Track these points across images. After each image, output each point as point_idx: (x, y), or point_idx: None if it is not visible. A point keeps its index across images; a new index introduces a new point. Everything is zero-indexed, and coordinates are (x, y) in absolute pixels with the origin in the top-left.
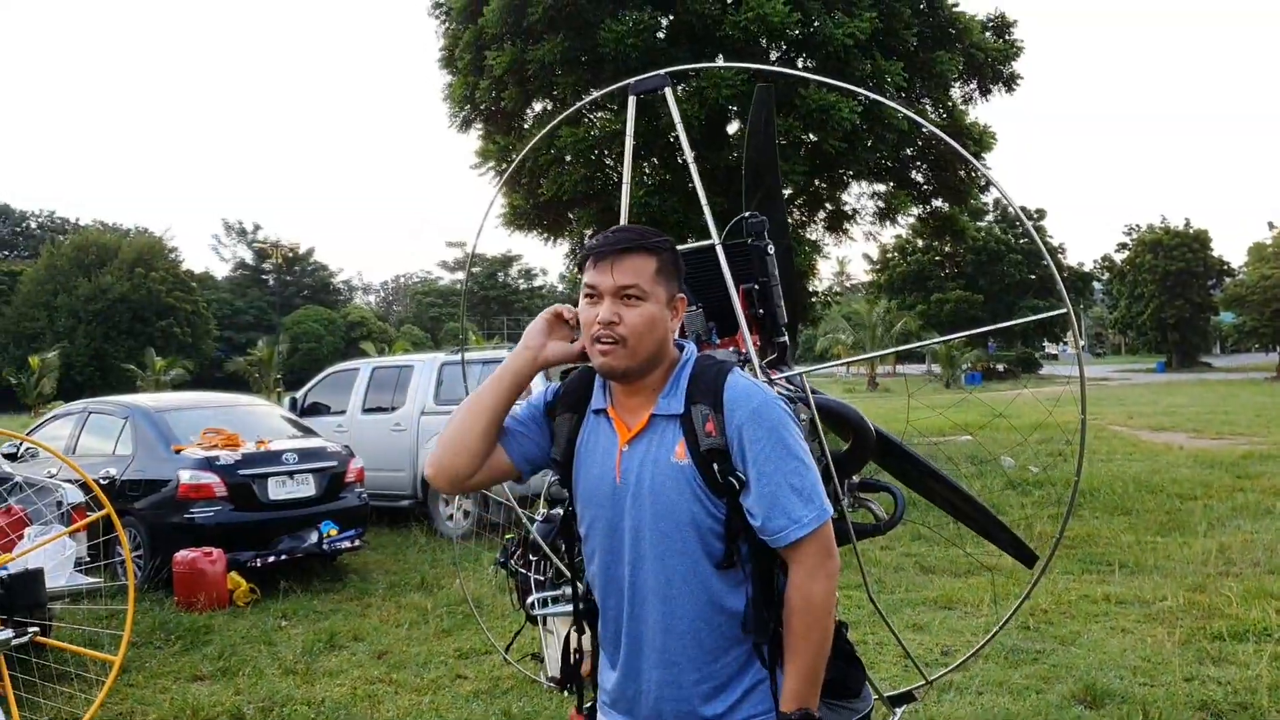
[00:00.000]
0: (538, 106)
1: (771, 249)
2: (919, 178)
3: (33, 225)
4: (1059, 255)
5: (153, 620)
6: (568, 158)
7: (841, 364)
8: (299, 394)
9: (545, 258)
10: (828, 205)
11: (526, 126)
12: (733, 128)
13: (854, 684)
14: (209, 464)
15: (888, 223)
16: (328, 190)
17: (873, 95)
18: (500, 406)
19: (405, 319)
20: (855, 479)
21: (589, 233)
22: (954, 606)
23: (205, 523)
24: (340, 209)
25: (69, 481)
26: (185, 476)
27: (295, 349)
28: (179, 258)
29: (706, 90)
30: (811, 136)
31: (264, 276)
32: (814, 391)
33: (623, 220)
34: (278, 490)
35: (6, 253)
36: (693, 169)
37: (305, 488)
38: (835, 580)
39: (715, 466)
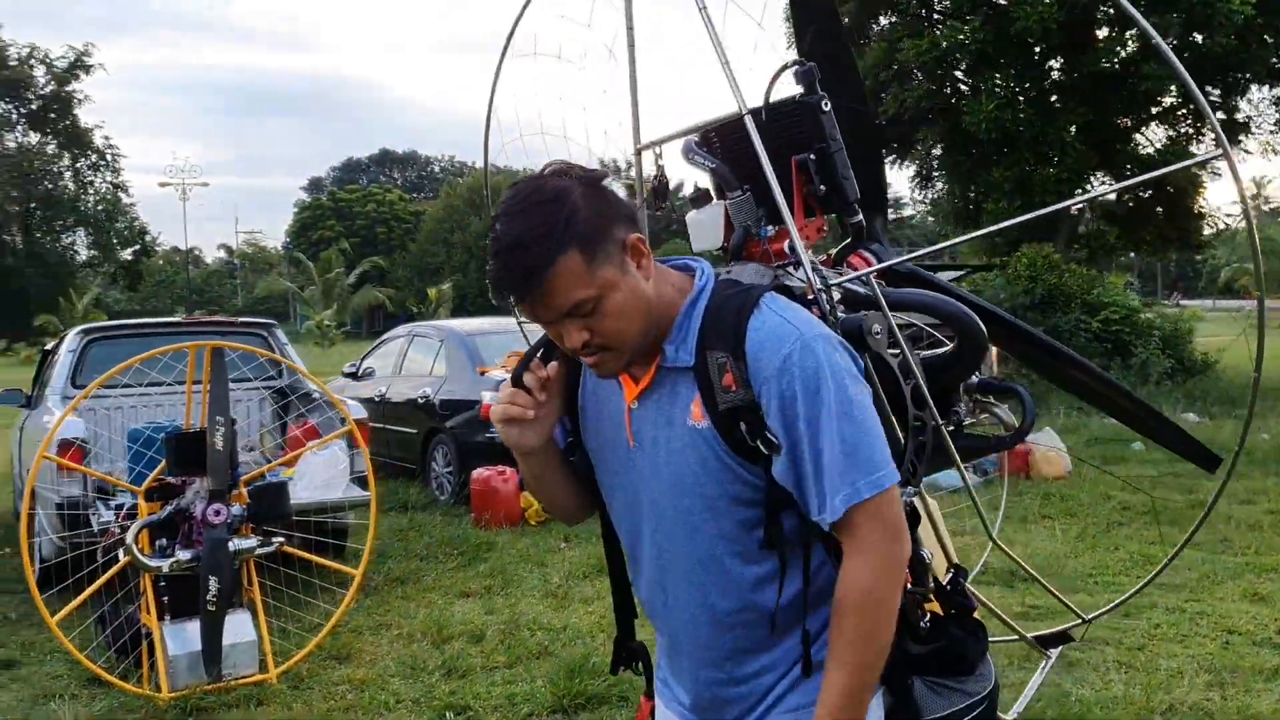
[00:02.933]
0: (883, 21)
1: (828, 104)
2: None
3: (435, 169)
4: None
5: (445, 534)
6: (917, 73)
7: (912, 256)
8: None
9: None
10: (1219, 115)
11: (868, 42)
12: (1102, 32)
13: (971, 656)
14: None
15: None
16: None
17: None
18: (545, 469)
19: None
20: (975, 379)
21: (937, 151)
22: None
23: (503, 443)
24: None
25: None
26: (486, 397)
27: None
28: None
29: None
30: (1196, 36)
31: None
32: (885, 286)
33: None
34: None
35: (414, 194)
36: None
37: None
38: (897, 570)
39: (743, 426)
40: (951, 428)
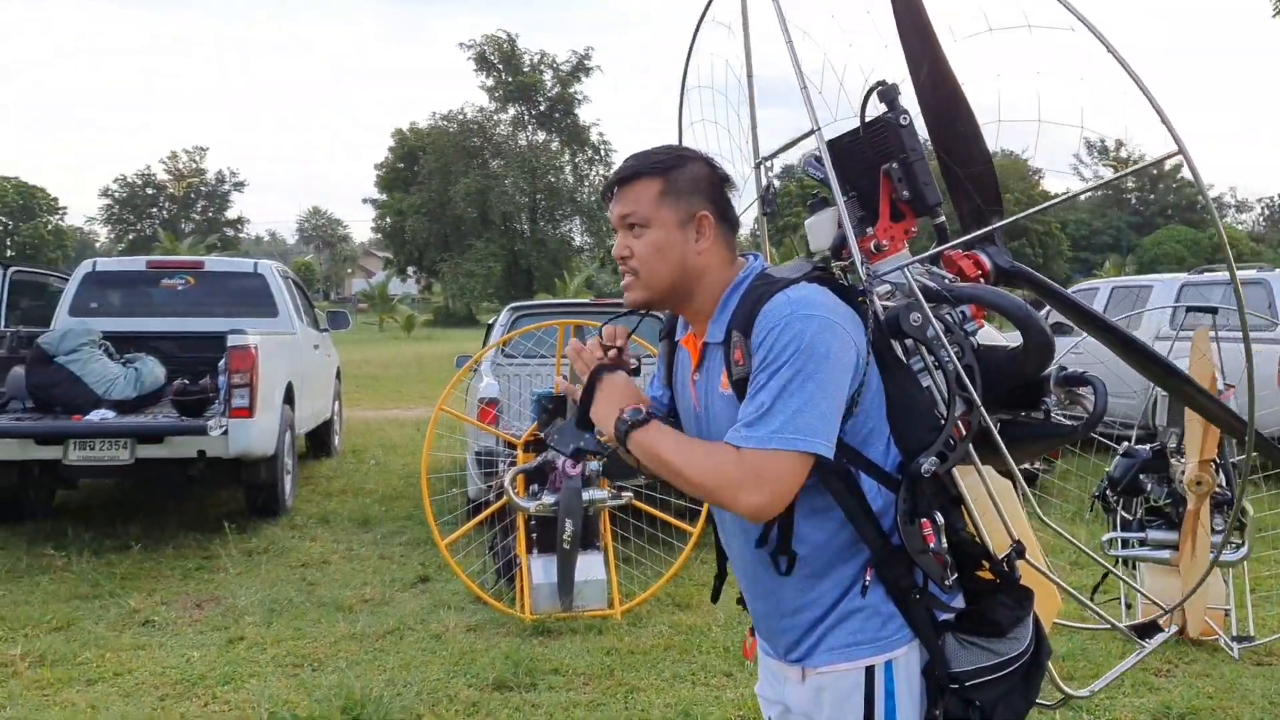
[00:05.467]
0: None
1: (906, 119)
2: None
3: None
4: None
5: None
6: None
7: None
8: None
9: None
10: None
11: None
12: None
13: (1002, 620)
14: None
15: None
16: (1181, 96)
17: None
18: None
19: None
20: (1059, 370)
21: None
22: None
23: None
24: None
25: None
26: None
27: (1150, 271)
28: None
29: None
30: None
31: (1125, 195)
32: (945, 279)
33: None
34: None
35: None
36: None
37: None
38: (722, 489)
39: None
40: (1040, 416)
